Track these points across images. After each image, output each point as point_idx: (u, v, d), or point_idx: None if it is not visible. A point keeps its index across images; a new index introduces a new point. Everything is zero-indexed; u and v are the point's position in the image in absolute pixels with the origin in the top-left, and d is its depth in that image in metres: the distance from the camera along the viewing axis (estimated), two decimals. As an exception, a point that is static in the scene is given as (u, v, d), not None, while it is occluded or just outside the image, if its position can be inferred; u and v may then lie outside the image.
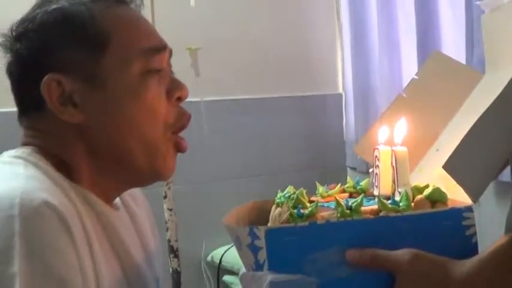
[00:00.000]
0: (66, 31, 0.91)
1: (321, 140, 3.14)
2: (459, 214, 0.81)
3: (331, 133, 3.17)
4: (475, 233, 0.81)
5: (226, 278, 2.71)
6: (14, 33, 0.93)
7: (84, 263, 0.81)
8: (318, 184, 1.03)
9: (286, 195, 0.92)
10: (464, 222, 0.81)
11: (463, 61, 2.18)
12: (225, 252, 2.66)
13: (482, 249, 0.81)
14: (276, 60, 3.02)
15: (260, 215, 0.97)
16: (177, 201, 2.31)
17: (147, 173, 0.96)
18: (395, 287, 0.78)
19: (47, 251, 0.76)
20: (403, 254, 0.78)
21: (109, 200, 0.98)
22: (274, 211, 0.91)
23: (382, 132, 0.97)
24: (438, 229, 0.81)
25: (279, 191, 0.96)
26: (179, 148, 0.98)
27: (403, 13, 2.70)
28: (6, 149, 0.93)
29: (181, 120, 0.97)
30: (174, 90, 0.96)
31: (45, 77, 0.89)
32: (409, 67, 2.65)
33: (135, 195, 1.11)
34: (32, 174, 0.85)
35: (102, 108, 0.92)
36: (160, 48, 0.97)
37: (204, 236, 2.70)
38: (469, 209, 0.81)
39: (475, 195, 0.82)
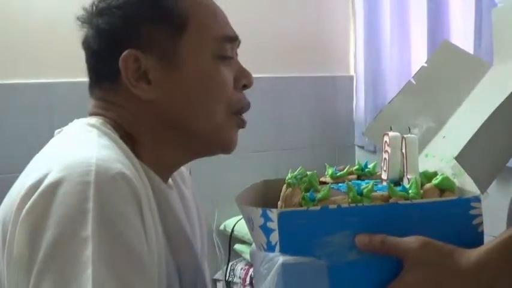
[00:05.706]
0: (150, 10, 0.90)
1: (331, 119, 3.12)
2: (467, 203, 0.78)
3: (341, 113, 3.16)
4: (481, 223, 0.79)
5: (237, 246, 2.71)
6: (95, 9, 0.93)
7: (149, 236, 0.80)
8: (327, 166, 1.01)
9: (298, 177, 0.90)
10: (472, 212, 0.78)
11: (471, 51, 2.15)
12: (237, 222, 2.66)
13: (486, 236, 0.79)
14: (291, 42, 2.99)
15: (271, 194, 0.95)
16: (192, 172, 2.30)
17: (214, 147, 0.97)
18: (402, 272, 0.76)
19: (118, 218, 0.75)
20: (412, 241, 0.76)
21: (164, 179, 0.96)
22: (285, 191, 0.89)
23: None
24: (446, 217, 0.78)
25: (289, 170, 0.94)
26: (241, 125, 0.98)
27: (414, 1, 2.67)
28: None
29: (242, 104, 0.98)
30: (242, 77, 0.97)
31: (125, 52, 0.88)
32: (418, 54, 2.65)
33: (183, 176, 1.10)
34: (106, 144, 0.84)
35: (175, 87, 0.91)
36: (233, 38, 0.98)
37: (216, 206, 2.70)
38: (477, 198, 0.78)
39: (483, 186, 0.80)
